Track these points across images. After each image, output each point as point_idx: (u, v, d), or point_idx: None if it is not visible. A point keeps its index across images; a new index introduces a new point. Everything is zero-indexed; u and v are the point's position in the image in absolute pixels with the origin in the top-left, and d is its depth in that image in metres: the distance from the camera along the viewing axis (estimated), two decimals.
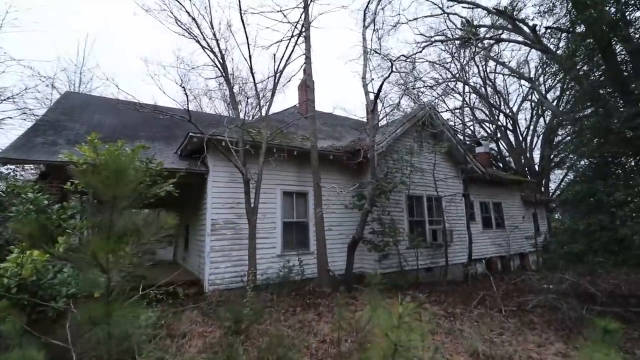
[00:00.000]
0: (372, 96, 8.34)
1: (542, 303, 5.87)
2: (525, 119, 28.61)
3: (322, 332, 4.80)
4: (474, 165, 11.29)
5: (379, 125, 9.61)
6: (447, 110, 31.13)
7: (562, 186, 22.78)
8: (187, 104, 6.59)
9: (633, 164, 6.31)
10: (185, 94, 6.56)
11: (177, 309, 5.25)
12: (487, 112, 27.24)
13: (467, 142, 24.52)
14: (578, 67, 7.53)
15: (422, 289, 8.32)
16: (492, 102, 26.42)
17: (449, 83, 25.26)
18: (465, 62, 18.06)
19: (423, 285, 8.83)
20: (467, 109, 27.66)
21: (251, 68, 7.71)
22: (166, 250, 12.27)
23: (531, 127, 25.41)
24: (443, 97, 23.92)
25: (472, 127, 28.76)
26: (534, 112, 25.19)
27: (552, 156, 20.98)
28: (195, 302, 6.37)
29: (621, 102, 6.31)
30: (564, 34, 10.96)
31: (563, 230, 6.94)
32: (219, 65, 7.38)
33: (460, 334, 4.90)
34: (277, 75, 7.89)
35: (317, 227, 7.88)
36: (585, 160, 6.50)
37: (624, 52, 6.54)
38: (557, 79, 19.01)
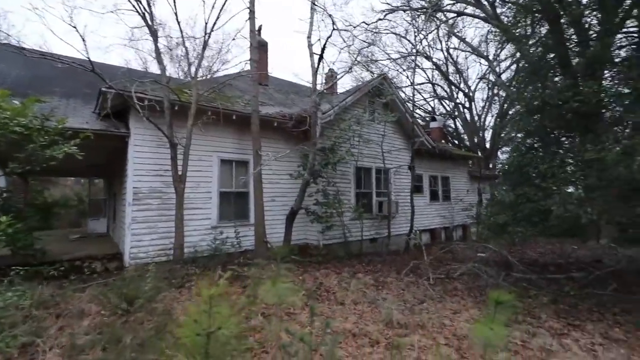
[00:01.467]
0: (317, 59, 7.79)
1: (467, 271, 6.03)
2: (482, 98, 29.60)
3: (237, 307, 4.53)
4: (424, 138, 11.31)
5: (333, 95, 9.17)
6: (410, 85, 31.20)
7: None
8: (87, 50, 5.64)
9: (563, 138, 6.47)
10: (82, 38, 5.58)
11: (79, 285, 4.70)
12: (447, 90, 27.64)
13: (425, 117, 24.93)
14: (524, 41, 7.45)
15: (362, 259, 8.37)
16: (452, 79, 26.73)
17: (413, 58, 25.13)
18: (427, 33, 17.83)
19: (365, 256, 8.91)
20: (429, 85, 28.00)
21: (176, 14, 6.79)
22: (100, 221, 11.31)
23: (486, 106, 26.24)
24: (407, 71, 23.82)
25: (432, 103, 29.23)
26: (490, 91, 25.94)
27: (502, 134, 21.90)
28: (114, 276, 5.84)
29: (562, 76, 6.34)
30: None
31: (494, 202, 7.17)
32: (140, 10, 6.39)
33: (383, 302, 4.88)
34: (210, 25, 7.05)
35: (255, 197, 7.48)
36: (521, 134, 6.59)
37: (567, 23, 6.47)
38: (513, 60, 19.48)
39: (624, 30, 5.89)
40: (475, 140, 25.47)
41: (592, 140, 4.62)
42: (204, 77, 8.12)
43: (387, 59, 21.24)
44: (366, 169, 10.17)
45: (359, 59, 11.79)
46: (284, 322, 3.93)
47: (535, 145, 6.16)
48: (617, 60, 5.98)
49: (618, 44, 5.98)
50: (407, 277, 6.43)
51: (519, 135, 6.86)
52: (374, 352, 3.36)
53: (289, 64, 41.21)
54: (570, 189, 5.81)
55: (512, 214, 5.50)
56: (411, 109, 11.45)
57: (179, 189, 6.57)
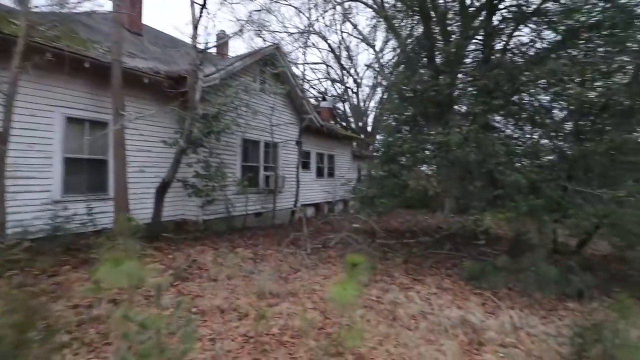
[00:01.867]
0: (199, 9, 6.85)
1: (341, 240, 6.51)
2: (368, 85, 32.24)
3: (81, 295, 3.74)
4: (313, 116, 11.55)
5: (224, 59, 8.29)
6: (305, 63, 31.44)
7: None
8: None
9: (424, 123, 7.42)
10: None
11: None
12: (339, 73, 28.98)
13: (317, 98, 25.72)
14: (402, 34, 8.16)
15: (245, 234, 8.16)
16: (344, 64, 28.08)
17: (307, 35, 25.25)
18: (323, 12, 18.02)
19: (248, 230, 8.72)
20: (324, 66, 28.84)
21: None
22: None
23: (371, 93, 28.70)
24: (303, 49, 23.77)
25: (325, 85, 30.31)
26: (375, 79, 28.42)
27: (381, 119, 24.47)
28: None
29: (427, 69, 7.20)
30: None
31: (368, 178, 7.95)
32: None
33: (259, 275, 4.82)
34: None
35: (115, 165, 6.28)
36: (393, 118, 7.37)
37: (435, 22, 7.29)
38: (395, 54, 21.69)
39: (477, 37, 7.01)
40: (360, 124, 27.85)
41: (443, 127, 5.43)
42: (48, 9, 6.19)
43: (284, 31, 20.81)
44: (254, 142, 9.81)
45: (253, 24, 11.04)
46: (138, 308, 3.41)
47: (403, 128, 6.96)
48: (467, 61, 7.11)
49: (471, 48, 7.11)
50: (287, 249, 6.55)
51: (391, 118, 7.64)
52: (241, 325, 3.24)
53: (175, 18, 36.04)
54: (424, 168, 6.83)
55: (379, 188, 6.14)
56: (302, 85, 11.47)
57: None
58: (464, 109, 6.68)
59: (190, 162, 7.76)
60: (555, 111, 6.86)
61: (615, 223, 4.22)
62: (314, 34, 23.85)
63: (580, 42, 5.92)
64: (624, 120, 5.73)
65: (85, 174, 6.57)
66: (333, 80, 29.47)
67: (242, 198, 9.12)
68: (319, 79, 29.61)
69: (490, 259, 5.45)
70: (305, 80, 27.75)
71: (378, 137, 7.53)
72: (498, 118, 6.74)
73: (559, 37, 6.36)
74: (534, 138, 6.53)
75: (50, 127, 6.01)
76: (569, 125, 6.41)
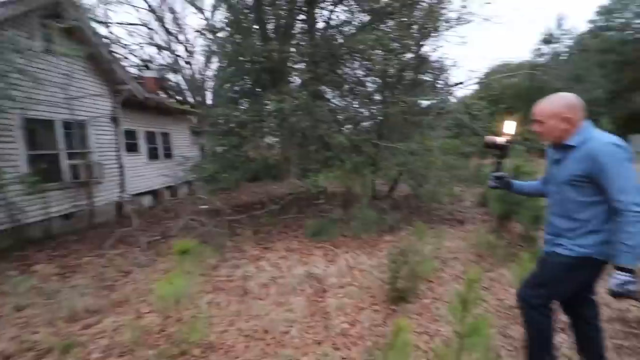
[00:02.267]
0: None
1: (184, 226, 5.83)
2: (204, 54, 29.47)
3: None
4: (131, 86, 9.57)
5: None
6: (120, 24, 25.81)
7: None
8: None
9: (260, 92, 7.22)
10: None
11: None
12: (166, 39, 25.13)
13: (140, 66, 21.71)
14: None
15: (47, 245, 6.22)
16: (170, 29, 24.44)
17: None
18: None
19: (54, 238, 6.69)
20: (145, 30, 24.22)
21: None
22: None
23: (206, 63, 26.43)
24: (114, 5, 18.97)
25: (151, 52, 25.82)
26: (209, 47, 26.20)
27: (219, 90, 23.06)
28: None
29: (259, 35, 6.90)
30: None
31: (208, 154, 7.33)
32: None
33: (71, 292, 3.72)
34: None
35: None
36: (227, 87, 6.88)
37: None
38: (225, 17, 20.29)
39: (303, 8, 7.12)
40: (199, 97, 25.50)
41: (276, 94, 5.41)
42: None
43: None
44: (45, 122, 7.35)
45: None
46: None
47: (240, 99, 6.62)
48: (296, 32, 7.24)
49: (299, 18, 7.20)
50: (113, 250, 5.37)
51: (227, 89, 7.14)
52: None
53: None
54: (268, 138, 6.82)
55: (221, 163, 5.73)
56: (109, 45, 9.24)
57: None
58: (298, 80, 6.90)
59: None
60: (368, 83, 8.04)
61: (410, 169, 5.40)
62: None
63: (382, 24, 6.97)
64: (411, 89, 7.28)
65: None
66: (159, 47, 25.42)
67: (39, 199, 6.84)
68: (140, 44, 24.91)
69: (329, 214, 6.06)
70: (121, 45, 22.82)
71: (215, 109, 6.91)
72: (327, 89, 7.34)
73: (368, 18, 7.30)
74: (355, 106, 7.50)
75: None
76: (378, 96, 7.64)
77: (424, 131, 6.10)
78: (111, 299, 3.48)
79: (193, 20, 28.63)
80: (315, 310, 2.89)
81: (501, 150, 1.86)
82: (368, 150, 5.48)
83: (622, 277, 1.40)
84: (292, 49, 5.70)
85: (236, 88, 7.09)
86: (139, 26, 23.60)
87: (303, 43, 6.49)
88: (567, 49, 30.35)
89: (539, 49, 32.24)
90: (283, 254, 4.47)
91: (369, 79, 7.92)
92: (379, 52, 6.41)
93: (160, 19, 22.62)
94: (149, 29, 24.00)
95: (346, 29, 7.54)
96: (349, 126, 6.56)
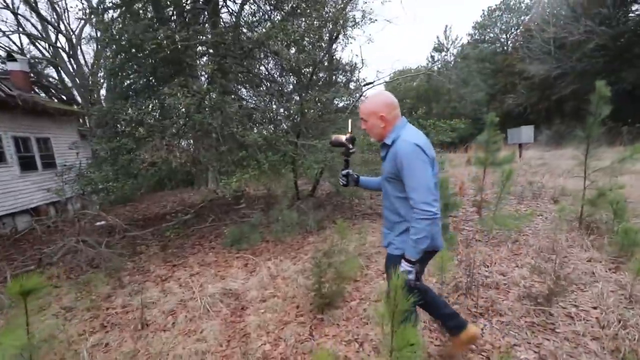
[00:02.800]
0: None
1: (68, 249, 4.74)
2: (93, 47, 25.33)
3: None
4: None
5: None
6: None
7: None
8: None
9: (156, 85, 6.30)
10: None
11: None
12: (39, 27, 20.92)
13: (4, 58, 17.64)
14: None
15: None
16: (45, 16, 20.42)
17: None
18: None
19: None
20: (11, 15, 19.64)
21: None
22: None
23: (99, 56, 22.86)
24: None
25: (20, 42, 21.21)
26: (97, 41, 22.74)
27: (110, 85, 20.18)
28: None
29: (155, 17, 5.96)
30: None
31: (96, 160, 6.11)
32: None
33: None
34: None
35: None
36: (115, 78, 5.82)
37: None
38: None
39: None
40: (90, 96, 21.89)
41: (174, 88, 4.71)
42: None
43: None
44: None
45: None
46: None
47: (131, 93, 5.66)
48: (199, 21, 6.49)
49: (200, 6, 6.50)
50: None
51: (113, 81, 6.04)
52: None
53: None
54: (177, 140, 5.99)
55: (111, 171, 4.79)
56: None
57: None
58: (202, 73, 6.22)
59: None
60: (283, 81, 7.77)
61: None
62: None
63: (292, 23, 6.77)
64: (326, 88, 7.28)
65: None
66: (31, 37, 21.00)
67: None
68: (3, 31, 20.20)
69: (250, 219, 5.63)
70: None
71: (102, 107, 5.72)
72: (241, 87, 6.81)
73: (278, 17, 7.01)
74: (272, 105, 7.14)
75: None
76: (295, 95, 7.43)
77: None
78: None
79: (75, 3, 24.66)
80: (233, 333, 2.50)
81: (346, 148, 1.90)
82: (285, 149, 5.20)
83: (405, 266, 1.54)
84: (193, 39, 5.06)
85: (128, 82, 6.07)
86: (1, 10, 19.28)
87: (206, 33, 5.88)
88: (453, 57, 35.10)
89: (432, 56, 36.62)
90: (196, 270, 3.90)
91: (283, 77, 7.70)
92: (292, 50, 6.21)
93: (29, 4, 18.76)
94: (16, 13, 19.80)
95: (255, 23, 7.16)
96: (269, 126, 6.19)
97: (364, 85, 8.42)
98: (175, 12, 5.92)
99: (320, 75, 7.76)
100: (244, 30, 6.85)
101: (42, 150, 10.74)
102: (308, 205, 5.45)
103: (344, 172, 1.99)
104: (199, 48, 5.96)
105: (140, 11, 5.95)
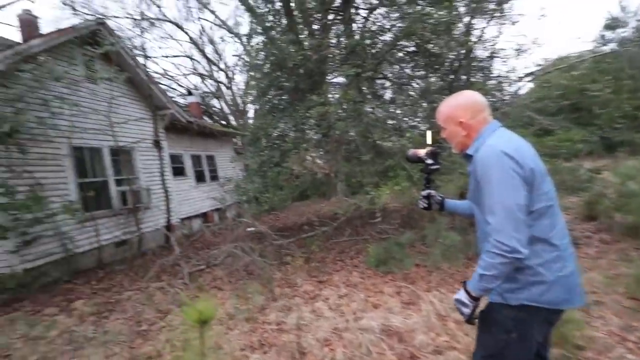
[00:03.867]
0: None
1: (228, 254, 5.24)
2: (243, 80, 30.41)
3: None
4: (174, 110, 9.59)
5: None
6: (165, 57, 27.76)
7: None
8: None
9: (298, 98, 6.54)
10: None
11: None
12: (207, 68, 26.46)
13: (184, 95, 22.80)
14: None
15: (94, 275, 5.99)
16: (211, 58, 25.67)
17: (163, 26, 21.94)
18: None
19: (103, 268, 6.50)
20: (189, 61, 25.71)
21: None
22: None
23: (246, 87, 27.17)
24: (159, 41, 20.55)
25: (195, 81, 27.35)
26: (247, 72, 27.00)
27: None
28: None
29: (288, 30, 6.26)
30: None
31: (248, 173, 6.79)
32: None
33: (103, 337, 3.19)
34: None
35: None
36: (261, 96, 6.34)
37: None
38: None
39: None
40: (241, 121, 26.12)
41: (318, 97, 4.66)
42: None
43: (127, 17, 17.19)
44: (94, 150, 7.39)
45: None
46: None
47: (277, 110, 6.02)
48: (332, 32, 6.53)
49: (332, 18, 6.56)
50: (156, 283, 4.90)
51: (260, 99, 6.58)
52: None
53: None
54: (311, 152, 6.08)
55: (262, 181, 5.10)
56: (145, 68, 9.34)
57: None
58: (338, 80, 6.15)
59: None
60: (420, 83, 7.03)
61: None
62: (165, 21, 20.85)
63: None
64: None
65: None
66: (202, 76, 26.74)
67: (90, 227, 6.76)
68: (185, 74, 26.45)
69: (391, 236, 5.10)
70: (168, 77, 24.33)
71: (254, 124, 6.49)
72: (376, 91, 6.48)
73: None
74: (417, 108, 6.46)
75: None
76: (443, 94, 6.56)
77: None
78: (141, 353, 2.86)
79: (232, 47, 29.91)
80: None
81: (425, 165, 1.58)
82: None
83: (462, 295, 1.26)
84: (332, 44, 4.97)
85: (274, 100, 6.52)
86: (184, 58, 25.15)
87: (342, 39, 5.73)
88: (635, 32, 26.60)
89: (602, 36, 28.72)
90: (344, 292, 3.58)
91: (425, 78, 6.94)
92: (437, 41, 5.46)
93: (201, 50, 23.84)
94: (192, 59, 25.41)
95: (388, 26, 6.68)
96: (414, 132, 5.61)
97: (525, 77, 6.90)
98: (310, 26, 6.05)
99: (471, 62, 6.65)
100: (376, 34, 6.52)
101: (209, 165, 13.04)
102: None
103: (424, 193, 1.65)
104: (336, 57, 5.89)
105: (278, 35, 6.33)
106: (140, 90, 8.79)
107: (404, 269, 3.89)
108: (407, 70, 6.86)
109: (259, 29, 6.39)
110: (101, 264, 6.80)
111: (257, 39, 6.61)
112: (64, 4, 6.94)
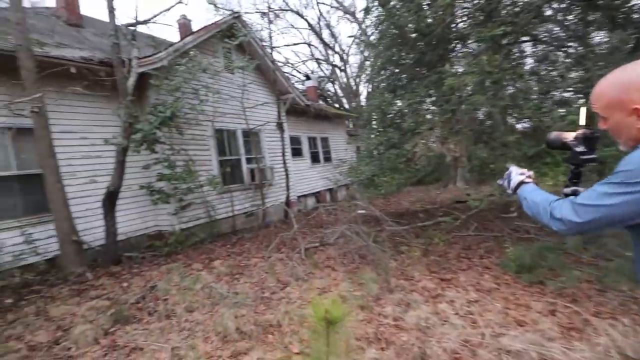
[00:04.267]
0: None
1: (341, 234, 5.23)
2: (357, 62, 30.18)
3: None
4: (295, 94, 10.13)
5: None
6: (286, 45, 29.87)
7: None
8: None
9: (422, 70, 5.89)
10: None
11: None
12: (323, 52, 27.31)
13: (302, 81, 24.09)
14: None
15: (230, 239, 6.92)
16: (327, 42, 26.34)
17: (286, 17, 23.57)
18: None
19: (236, 234, 7.48)
20: (306, 48, 27.15)
21: None
22: None
23: (360, 69, 26.96)
24: (281, 31, 22.37)
25: (311, 66, 28.73)
26: (362, 54, 26.69)
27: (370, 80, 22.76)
28: None
29: None
30: None
31: (363, 155, 6.56)
32: None
33: (234, 299, 3.57)
34: None
35: (47, 179, 5.00)
36: (382, 73, 5.92)
37: None
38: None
39: None
40: (353, 103, 26.23)
41: (448, 68, 4.00)
42: None
43: (256, 11, 19.10)
44: (230, 132, 8.46)
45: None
46: None
47: (393, 84, 5.51)
48: None
49: None
50: (277, 254, 5.30)
51: (380, 77, 6.17)
52: None
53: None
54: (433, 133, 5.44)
55: (378, 164, 4.80)
56: (272, 55, 9.98)
57: None
58: (471, 47, 5.20)
59: (149, 163, 6.49)
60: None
61: None
62: (288, 11, 22.16)
63: None
64: None
65: (19, 194, 5.31)
66: (318, 61, 27.80)
67: (227, 198, 7.86)
68: (303, 61, 27.97)
69: (534, 236, 4.14)
70: (289, 65, 26.18)
71: (370, 103, 6.19)
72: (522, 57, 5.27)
73: None
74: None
75: None
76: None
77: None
78: (264, 320, 3.05)
79: (347, 28, 29.80)
80: None
81: (574, 153, 1.13)
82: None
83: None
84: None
85: (392, 78, 6.01)
86: (302, 45, 26.53)
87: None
88: None
89: None
90: (473, 296, 3.05)
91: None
92: None
93: (318, 35, 24.59)
94: (309, 45, 26.55)
95: None
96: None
97: None
98: None
99: None
100: None
101: (323, 147, 13.50)
102: None
103: (568, 190, 1.16)
104: (472, 17, 4.94)
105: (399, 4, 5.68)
106: (267, 77, 9.56)
107: (561, 283, 3.04)
108: (569, 27, 5.32)
109: (376, 2, 5.96)
110: (234, 231, 7.86)
111: (375, 13, 6.22)
112: (209, 3, 7.88)
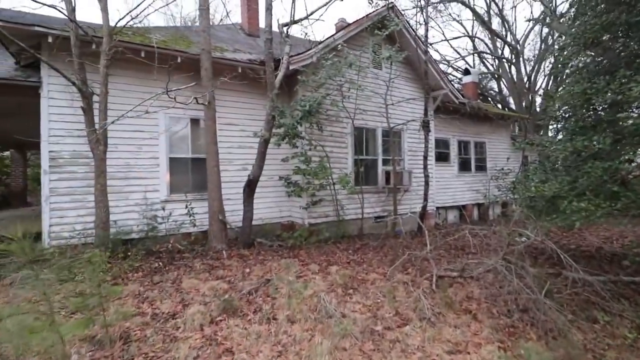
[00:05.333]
0: None
1: (493, 269, 3.89)
2: (534, 55, 24.65)
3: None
4: (448, 90, 8.76)
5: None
6: (443, 40, 27.42)
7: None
8: None
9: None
10: None
11: None
12: (489, 44, 23.57)
13: (459, 78, 21.37)
14: None
15: (353, 244, 6.44)
16: (496, 31, 22.57)
17: (449, 8, 21.45)
18: None
19: (360, 239, 6.96)
20: (466, 42, 24.02)
21: None
22: None
23: (537, 63, 21.92)
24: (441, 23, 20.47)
25: (471, 62, 25.37)
26: (542, 43, 21.57)
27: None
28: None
29: None
30: None
31: (540, 165, 4.68)
32: None
33: (339, 321, 3.00)
34: None
35: (208, 162, 5.78)
36: (587, 54, 4.02)
37: None
38: None
39: None
40: (524, 104, 21.51)
41: None
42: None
43: (415, 6, 17.96)
44: (369, 130, 7.98)
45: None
46: None
47: (612, 62, 3.64)
48: None
49: None
50: (401, 274, 4.44)
51: (574, 64, 4.24)
52: None
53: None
54: None
55: (568, 181, 3.22)
56: (424, 46, 8.84)
57: (98, 152, 5.01)
58: None
59: (288, 156, 6.73)
60: None
61: None
62: (453, 1, 19.94)
63: None
64: None
65: (191, 173, 6.38)
66: (481, 55, 24.13)
67: (357, 199, 7.46)
68: (462, 56, 24.89)
69: None
70: (445, 62, 23.77)
71: (560, 94, 4.46)
72: None
73: None
74: None
75: (155, 127, 6.00)
76: None
77: None
78: None
79: (523, 13, 24.84)
80: None
81: None
82: None
83: None
84: None
85: (609, 47, 4.02)
86: (463, 39, 23.52)
87: None
88: None
89: None
90: None
91: None
92: None
93: (485, 24, 21.18)
94: (472, 38, 23.28)
95: None
96: None
97: None
98: None
99: None
100: None
101: (477, 153, 11.37)
102: None
103: None
104: None
105: None
106: (416, 70, 8.59)
107: None
108: None
109: None
110: (361, 234, 7.37)
111: None
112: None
